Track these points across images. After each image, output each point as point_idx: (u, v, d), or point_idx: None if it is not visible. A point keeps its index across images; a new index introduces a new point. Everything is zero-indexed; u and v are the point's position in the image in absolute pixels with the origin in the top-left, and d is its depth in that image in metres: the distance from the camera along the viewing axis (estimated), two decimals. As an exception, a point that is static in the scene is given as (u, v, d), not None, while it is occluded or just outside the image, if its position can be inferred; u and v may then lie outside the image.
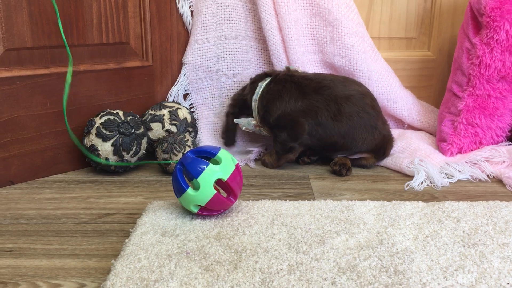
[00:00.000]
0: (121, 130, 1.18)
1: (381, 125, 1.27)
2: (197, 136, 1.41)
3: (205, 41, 1.40)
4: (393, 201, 1.03)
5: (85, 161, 1.24)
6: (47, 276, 0.78)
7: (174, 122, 1.31)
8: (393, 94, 1.45)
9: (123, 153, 1.18)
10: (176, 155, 1.19)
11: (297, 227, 0.90)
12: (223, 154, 0.95)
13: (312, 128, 1.22)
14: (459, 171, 1.23)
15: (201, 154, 0.95)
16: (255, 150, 1.38)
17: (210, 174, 0.91)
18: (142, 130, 1.23)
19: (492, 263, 0.78)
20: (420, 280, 0.74)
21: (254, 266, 0.77)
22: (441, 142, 1.36)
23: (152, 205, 1.01)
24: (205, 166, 0.91)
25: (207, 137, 1.44)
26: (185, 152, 1.16)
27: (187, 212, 0.97)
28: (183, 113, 1.33)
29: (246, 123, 1.30)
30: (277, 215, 0.95)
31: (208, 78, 1.43)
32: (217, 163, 0.93)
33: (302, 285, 0.72)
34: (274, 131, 1.26)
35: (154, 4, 1.33)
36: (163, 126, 1.30)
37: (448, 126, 1.34)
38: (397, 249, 0.83)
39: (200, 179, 0.90)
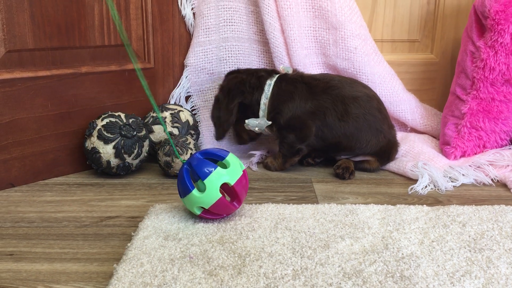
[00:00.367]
0: (122, 133, 1.17)
1: (387, 129, 1.26)
2: (199, 138, 1.40)
3: (207, 43, 1.39)
4: (398, 205, 1.02)
5: (86, 163, 1.23)
6: (48, 280, 0.77)
7: (176, 124, 1.30)
8: (396, 97, 1.44)
9: (125, 155, 1.18)
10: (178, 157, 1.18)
11: (301, 231, 0.89)
12: (232, 158, 0.94)
13: (318, 129, 1.22)
14: (463, 174, 1.22)
15: (209, 156, 0.94)
16: (258, 154, 1.37)
17: (217, 178, 0.90)
18: (144, 132, 1.22)
19: (499, 268, 0.78)
20: (427, 286, 0.73)
21: (258, 271, 0.76)
22: (444, 145, 1.35)
23: (154, 208, 1.00)
24: (213, 169, 0.90)
25: (209, 139, 1.43)
26: (191, 154, 1.15)
27: (189, 216, 0.96)
28: (185, 116, 1.32)
29: (256, 124, 1.27)
30: (280, 219, 0.94)
31: (210, 81, 1.43)
32: (224, 166, 0.92)
33: (307, 290, 0.71)
34: (282, 133, 1.25)
35: (156, 6, 1.32)
36: (165, 129, 1.28)
37: (451, 129, 1.34)
38: (402, 254, 0.82)
39: (207, 181, 0.89)
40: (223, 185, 0.91)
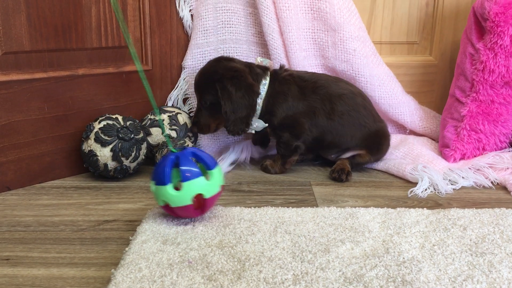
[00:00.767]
0: (120, 135, 1.16)
1: (372, 123, 1.27)
2: (197, 141, 1.39)
3: (205, 45, 1.38)
4: (398, 208, 1.01)
5: (83, 166, 1.22)
6: (45, 285, 0.76)
7: (174, 127, 1.29)
8: (395, 100, 1.43)
9: (122, 158, 1.16)
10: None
11: (301, 235, 0.89)
12: (217, 173, 0.93)
13: (308, 128, 1.24)
14: (462, 177, 1.21)
15: (199, 159, 0.93)
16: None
17: (195, 187, 0.89)
18: (141, 135, 1.21)
19: (501, 272, 0.77)
20: (429, 290, 0.72)
21: (258, 276, 0.75)
22: (444, 148, 1.34)
23: (152, 212, 0.98)
24: (196, 177, 0.89)
25: (207, 142, 1.42)
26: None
27: (188, 220, 0.95)
28: (183, 118, 1.31)
29: (255, 127, 1.25)
30: (280, 223, 0.94)
31: (208, 83, 1.42)
32: (208, 177, 0.92)
33: (308, 295, 0.70)
34: (277, 133, 1.25)
35: (154, 8, 1.31)
36: (163, 131, 1.28)
37: (451, 132, 1.33)
38: (403, 258, 0.81)
39: (185, 185, 0.89)
40: (198, 195, 0.90)
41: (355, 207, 1.02)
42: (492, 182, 1.20)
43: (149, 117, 1.31)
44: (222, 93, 1.18)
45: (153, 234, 0.89)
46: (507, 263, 0.79)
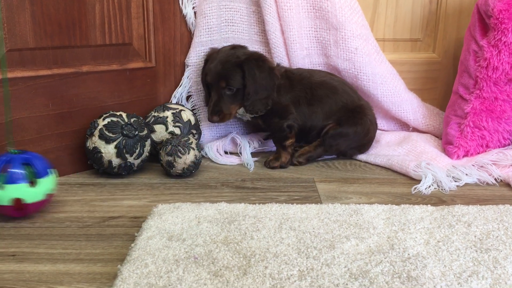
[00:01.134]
0: (124, 132, 1.16)
1: (350, 102, 1.33)
2: (201, 138, 1.39)
3: (209, 43, 1.38)
4: (402, 205, 1.01)
5: (88, 163, 1.22)
6: (52, 281, 0.76)
7: (177, 124, 1.29)
8: (398, 97, 1.44)
9: (127, 155, 1.17)
10: (180, 157, 1.18)
11: (305, 231, 0.89)
12: (47, 182, 0.96)
13: (295, 114, 1.31)
14: (466, 174, 1.21)
15: (33, 164, 0.95)
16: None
17: (16, 191, 0.92)
18: (145, 132, 1.21)
19: (506, 268, 0.77)
20: (434, 286, 0.72)
21: (264, 272, 0.75)
22: (447, 145, 1.34)
23: (157, 208, 0.99)
24: (18, 182, 0.92)
25: (210, 139, 1.42)
26: (194, 155, 1.15)
27: (193, 216, 0.95)
28: (186, 115, 1.32)
29: (242, 112, 1.33)
30: (284, 219, 0.94)
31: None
32: (34, 184, 0.94)
33: (314, 291, 0.71)
34: (266, 120, 1.32)
35: (157, 5, 1.31)
36: (167, 128, 1.28)
37: (454, 129, 1.33)
38: (408, 254, 0.81)
39: (6, 187, 0.92)
40: (17, 199, 0.93)
41: (359, 203, 1.03)
42: (495, 179, 1.20)
43: (152, 114, 1.31)
44: (249, 74, 1.24)
45: (158, 230, 0.89)
46: (512, 259, 0.80)
